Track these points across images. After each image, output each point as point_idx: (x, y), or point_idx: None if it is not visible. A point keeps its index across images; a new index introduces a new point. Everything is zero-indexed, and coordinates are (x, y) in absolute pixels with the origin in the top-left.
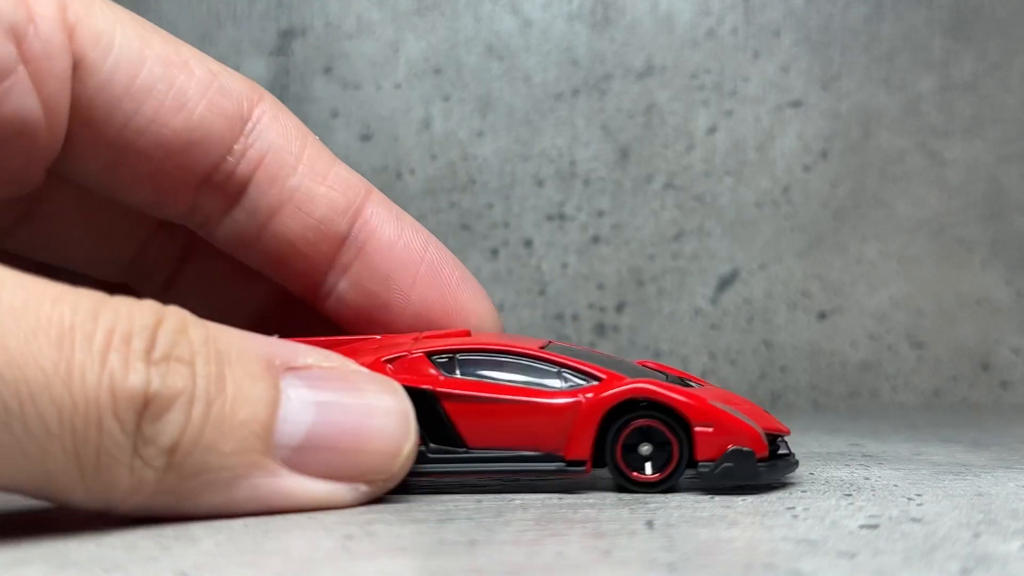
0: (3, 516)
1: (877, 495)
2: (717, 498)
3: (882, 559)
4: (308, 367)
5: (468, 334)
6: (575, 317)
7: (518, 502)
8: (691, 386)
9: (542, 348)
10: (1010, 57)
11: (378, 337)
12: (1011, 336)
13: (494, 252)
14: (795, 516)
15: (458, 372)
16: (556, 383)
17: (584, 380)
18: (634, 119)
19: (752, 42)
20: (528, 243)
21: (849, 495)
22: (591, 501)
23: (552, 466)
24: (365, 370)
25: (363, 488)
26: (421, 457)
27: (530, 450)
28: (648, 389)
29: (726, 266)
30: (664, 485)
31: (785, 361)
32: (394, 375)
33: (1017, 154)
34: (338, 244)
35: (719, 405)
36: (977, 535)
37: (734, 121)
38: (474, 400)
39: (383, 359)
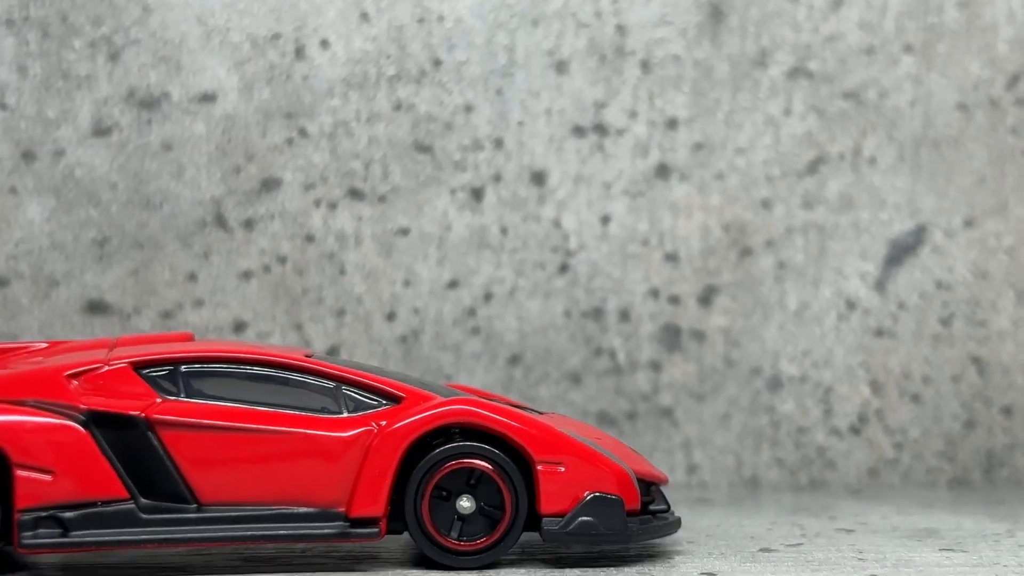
0: None
1: None
2: (573, 574)
3: None
4: None
5: (191, 338)
6: (624, 314)
7: None
8: (529, 411)
9: (306, 357)
10: None
11: (43, 344)
12: None
13: (476, 194)
14: None
15: (183, 392)
16: (333, 406)
17: (375, 401)
18: None
19: None
20: (539, 177)
21: None
22: None
23: (329, 528)
24: None
25: None
26: (127, 519)
27: (297, 505)
28: (470, 411)
29: (904, 221)
30: (490, 555)
31: (1013, 397)
32: (84, 396)
33: None
34: None
35: (572, 435)
36: None
37: None
38: (210, 431)
39: (66, 373)
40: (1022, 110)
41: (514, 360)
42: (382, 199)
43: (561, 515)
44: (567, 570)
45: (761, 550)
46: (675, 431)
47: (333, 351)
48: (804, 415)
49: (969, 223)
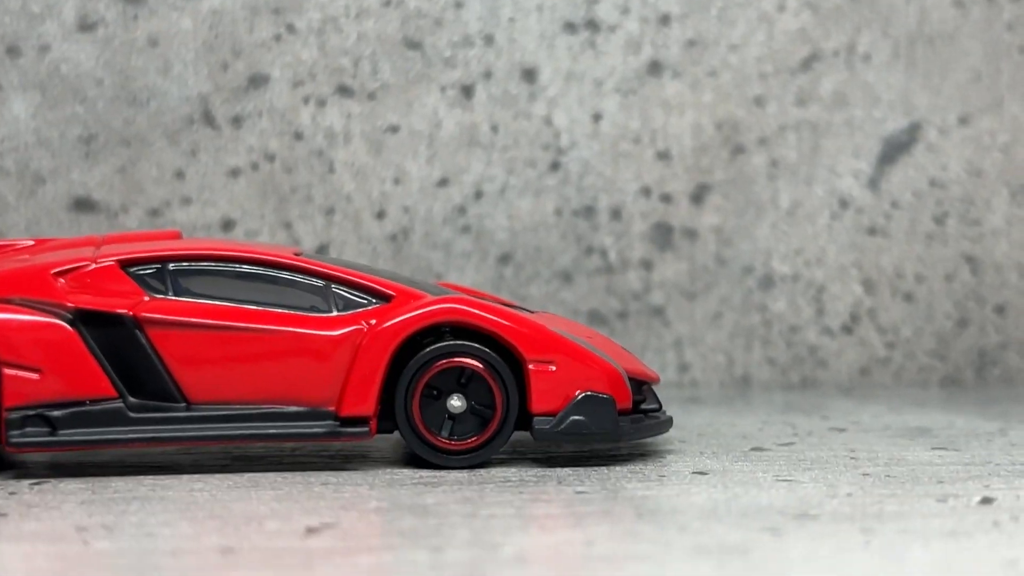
0: None
1: None
2: (564, 472)
3: None
4: None
5: (179, 236)
6: (616, 212)
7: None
8: (520, 310)
9: (295, 256)
10: None
11: (29, 242)
12: None
13: (466, 91)
14: None
15: (171, 290)
16: (323, 305)
17: (364, 299)
18: None
19: None
20: (530, 74)
21: None
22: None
23: (319, 427)
24: None
25: None
26: (115, 417)
27: (286, 404)
28: (460, 310)
29: (898, 118)
30: (481, 455)
31: (1006, 295)
32: (71, 294)
33: None
34: None
35: (563, 333)
36: None
37: None
38: (198, 330)
39: (53, 271)
40: (1018, 6)
41: (504, 259)
42: (371, 96)
43: (552, 414)
44: (558, 469)
45: (753, 449)
46: (666, 330)
47: (322, 250)
48: (796, 314)
49: (964, 120)
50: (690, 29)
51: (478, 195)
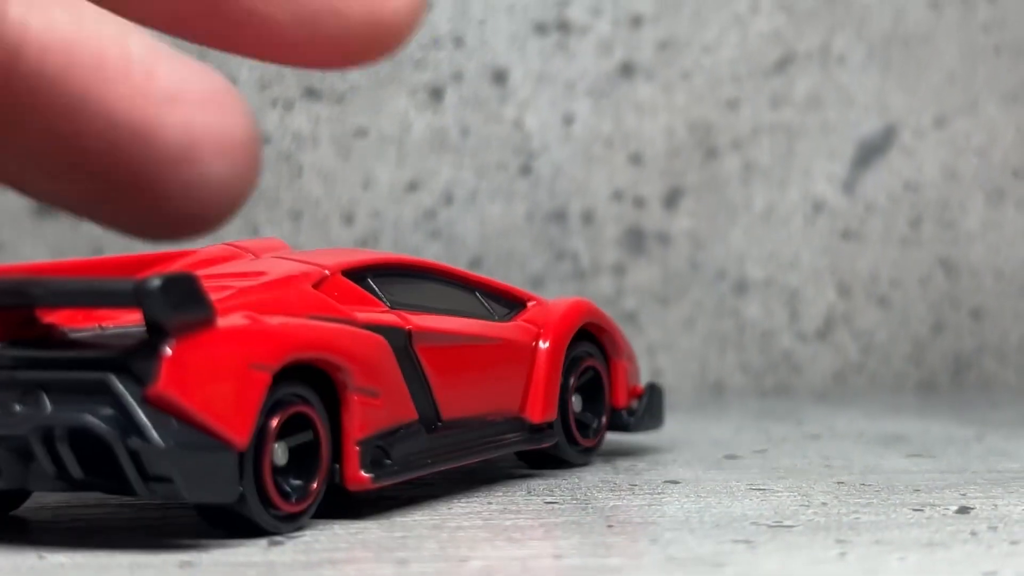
0: None
1: None
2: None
3: None
4: None
5: (284, 246)
6: (588, 216)
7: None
8: None
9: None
10: None
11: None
12: None
13: (436, 93)
14: None
15: (387, 301)
16: (483, 312)
17: (508, 305)
18: None
19: None
20: (500, 76)
21: None
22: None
23: (525, 437)
24: None
25: None
26: (417, 441)
27: (494, 415)
28: (595, 311)
29: (873, 121)
30: (594, 452)
31: (981, 299)
32: (344, 310)
33: None
34: None
35: None
36: None
37: None
38: (453, 344)
39: (310, 284)
40: (993, 7)
41: (475, 264)
42: (340, 99)
43: (630, 406)
44: (527, 479)
45: (726, 457)
46: (639, 336)
47: None
48: (770, 319)
49: (939, 122)
50: (662, 31)
51: (448, 199)
